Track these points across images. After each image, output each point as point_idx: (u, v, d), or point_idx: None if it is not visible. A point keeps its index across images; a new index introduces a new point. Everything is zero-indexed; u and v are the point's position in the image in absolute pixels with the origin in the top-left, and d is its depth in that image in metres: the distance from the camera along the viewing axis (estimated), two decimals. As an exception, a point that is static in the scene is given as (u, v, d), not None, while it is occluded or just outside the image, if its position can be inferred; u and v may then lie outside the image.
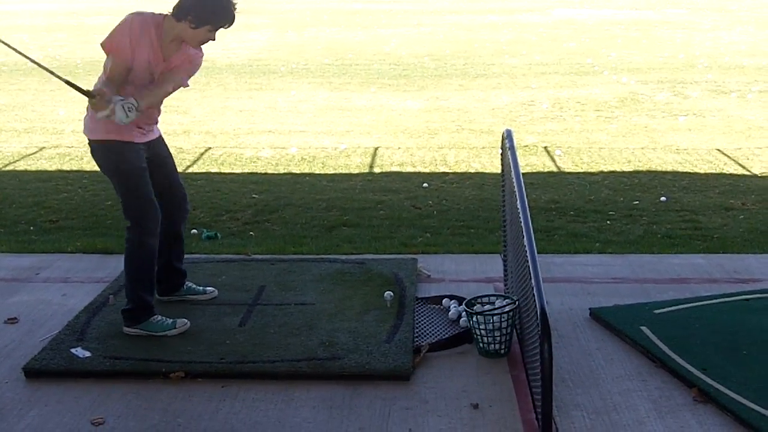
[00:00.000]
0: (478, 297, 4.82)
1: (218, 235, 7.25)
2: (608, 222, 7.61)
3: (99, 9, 41.46)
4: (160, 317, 4.83)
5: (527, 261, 3.89)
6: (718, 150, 10.90)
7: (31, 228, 7.63)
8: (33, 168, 10.34)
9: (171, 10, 4.54)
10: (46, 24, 33.80)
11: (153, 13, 4.60)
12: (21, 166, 10.50)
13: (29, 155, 11.06)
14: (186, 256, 5.43)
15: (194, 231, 7.25)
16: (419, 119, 13.34)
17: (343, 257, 6.22)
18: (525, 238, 4.01)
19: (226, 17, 4.53)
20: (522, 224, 4.12)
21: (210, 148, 11.36)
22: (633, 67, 18.96)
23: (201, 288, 5.40)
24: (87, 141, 4.88)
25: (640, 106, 14.24)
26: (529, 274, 3.82)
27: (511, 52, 22.32)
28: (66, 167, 10.30)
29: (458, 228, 7.49)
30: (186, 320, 4.91)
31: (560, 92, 15.68)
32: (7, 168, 10.42)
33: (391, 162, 10.53)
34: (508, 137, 4.93)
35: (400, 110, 14.10)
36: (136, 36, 4.51)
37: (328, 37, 27.02)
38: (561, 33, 27.67)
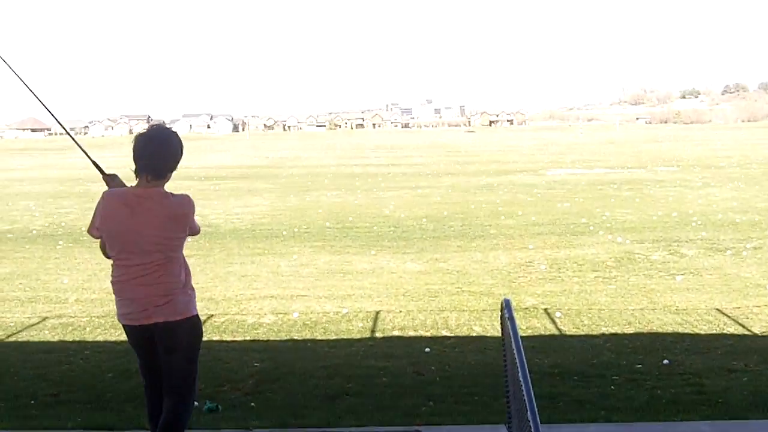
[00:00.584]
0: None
1: (219, 407, 7.19)
2: (612, 387, 7.58)
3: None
4: None
5: (532, 434, 3.88)
6: (718, 310, 10.96)
7: (32, 402, 7.57)
8: (35, 339, 10.36)
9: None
10: (53, 191, 34.44)
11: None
12: (24, 336, 10.52)
13: (32, 325, 11.09)
14: (187, 431, 5.36)
15: (195, 403, 7.19)
16: (419, 281, 13.46)
17: (346, 431, 6.16)
18: (528, 412, 4.02)
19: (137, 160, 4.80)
20: (525, 397, 4.13)
21: (212, 315, 11.41)
22: (628, 227, 19.26)
23: None
24: (166, 322, 4.83)
25: (637, 265, 14.39)
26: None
27: (507, 212, 22.71)
28: (68, 338, 10.32)
29: (462, 395, 7.44)
30: None
31: (557, 252, 15.87)
32: (10, 339, 10.43)
33: (392, 326, 10.57)
34: (506, 307, 4.99)
35: (400, 272, 14.24)
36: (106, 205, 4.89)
37: (329, 201, 27.53)
38: (555, 193, 28.22)
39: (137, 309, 4.79)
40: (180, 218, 4.84)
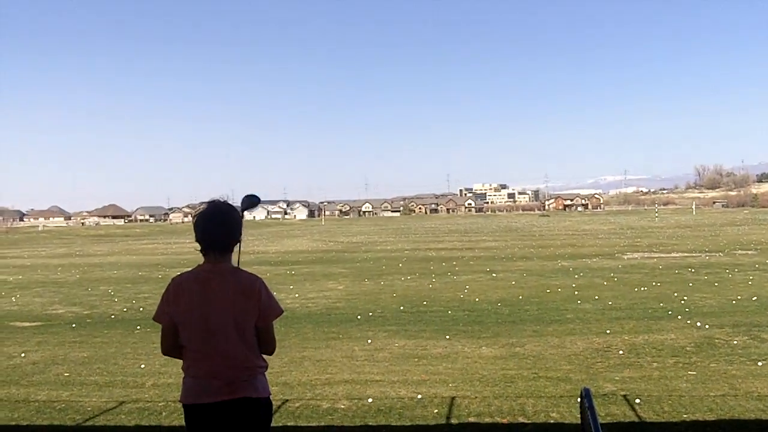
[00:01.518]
0: None
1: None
2: (695, 477, 7.37)
3: (182, 261, 43.13)
4: None
5: None
6: (804, 396, 10.59)
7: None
8: (112, 423, 10.48)
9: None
10: (131, 276, 35.18)
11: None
12: (100, 421, 10.65)
13: (109, 410, 11.23)
14: None
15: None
16: (495, 366, 13.32)
17: None
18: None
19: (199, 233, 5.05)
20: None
21: (287, 400, 11.43)
22: (707, 311, 18.85)
23: None
24: (248, 398, 4.89)
25: (718, 351, 14.04)
26: None
27: (584, 297, 22.44)
28: (145, 422, 10.42)
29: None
30: None
31: (635, 338, 15.58)
32: (87, 423, 10.57)
33: (468, 412, 10.45)
34: (586, 396, 4.94)
35: (475, 357, 14.12)
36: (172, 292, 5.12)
37: (404, 285, 27.57)
38: (632, 277, 27.82)
39: (218, 384, 4.83)
40: (250, 294, 4.92)
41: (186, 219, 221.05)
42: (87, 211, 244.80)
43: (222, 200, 5.20)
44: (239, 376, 4.81)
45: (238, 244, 5.06)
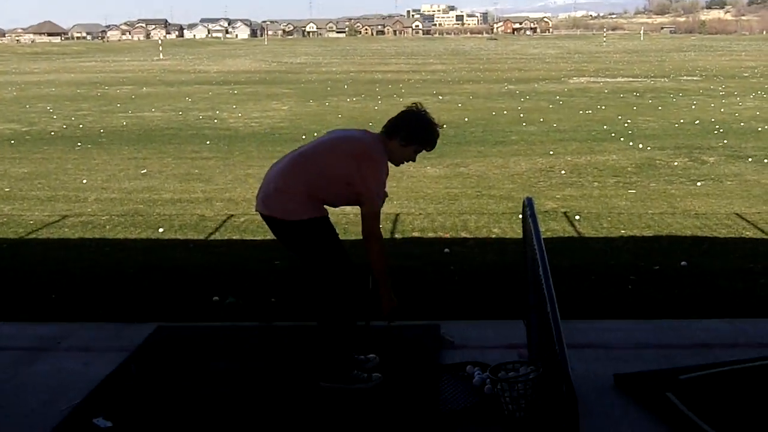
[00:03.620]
0: (503, 364, 4.79)
1: (240, 302, 7.26)
2: (630, 287, 7.58)
3: (121, 80, 42.18)
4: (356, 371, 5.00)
5: (551, 327, 3.88)
6: (737, 214, 10.88)
7: (53, 296, 7.65)
8: (55, 236, 10.43)
9: (383, 129, 4.90)
10: (70, 94, 34.37)
11: (380, 138, 4.89)
12: (43, 234, 10.59)
13: (52, 223, 11.16)
14: (207, 324, 5.43)
15: (216, 298, 7.26)
16: (439, 185, 13.42)
17: (365, 325, 6.19)
18: (548, 305, 4.01)
19: (431, 142, 4.96)
20: (545, 291, 4.11)
21: (232, 215, 11.45)
22: (649, 134, 19.08)
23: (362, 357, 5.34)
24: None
25: (658, 171, 14.28)
26: (553, 340, 3.81)
27: (529, 120, 22.53)
28: (88, 235, 10.39)
29: (480, 294, 7.47)
30: (380, 375, 5.03)
31: (578, 159, 15.77)
32: (30, 236, 10.51)
33: (412, 228, 10.57)
34: (529, 205, 4.94)
35: (420, 177, 14.19)
36: (387, 171, 4.89)
37: (349, 106, 27.37)
38: (577, 101, 27.93)
39: None
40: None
41: (124, 36, 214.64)
42: (21, 28, 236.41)
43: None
44: None
45: None
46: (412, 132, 4.85)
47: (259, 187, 5.14)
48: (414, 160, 5.07)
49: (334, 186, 4.81)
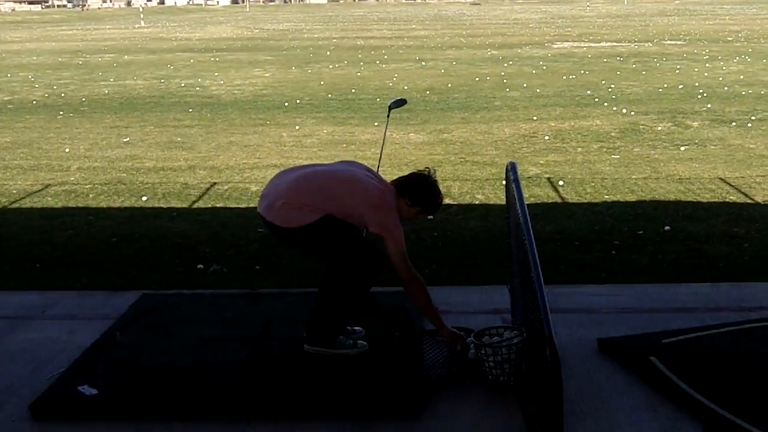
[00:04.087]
0: (487, 329, 4.81)
1: (224, 269, 7.26)
2: (613, 252, 7.62)
3: (103, 48, 41.80)
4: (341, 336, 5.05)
5: (534, 292, 3.89)
6: (721, 179, 10.92)
7: (37, 265, 7.64)
8: (38, 205, 10.38)
9: (394, 184, 5.00)
10: (52, 62, 34.04)
11: (393, 192, 4.95)
12: (26, 203, 10.53)
13: (35, 192, 11.10)
14: (191, 291, 5.43)
15: (200, 266, 7.26)
16: (422, 152, 13.40)
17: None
18: (532, 270, 4.02)
19: (434, 210, 5.19)
20: (528, 256, 4.12)
21: (215, 183, 11.40)
22: (633, 99, 19.07)
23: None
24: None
25: (641, 136, 14.29)
26: (537, 305, 3.82)
27: (512, 85, 22.47)
28: (72, 204, 10.33)
29: (464, 259, 7.50)
30: (365, 344, 5.07)
31: (561, 124, 15.76)
32: (13, 205, 10.45)
33: (395, 194, 10.55)
34: (512, 170, 4.94)
35: (403, 143, 14.16)
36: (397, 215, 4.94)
37: (331, 73, 27.20)
38: (561, 66, 27.86)
39: None
40: None
41: (104, 4, 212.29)
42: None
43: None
44: None
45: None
46: (421, 196, 5.00)
47: (263, 186, 5.23)
48: (414, 221, 5.36)
49: (347, 217, 4.88)
